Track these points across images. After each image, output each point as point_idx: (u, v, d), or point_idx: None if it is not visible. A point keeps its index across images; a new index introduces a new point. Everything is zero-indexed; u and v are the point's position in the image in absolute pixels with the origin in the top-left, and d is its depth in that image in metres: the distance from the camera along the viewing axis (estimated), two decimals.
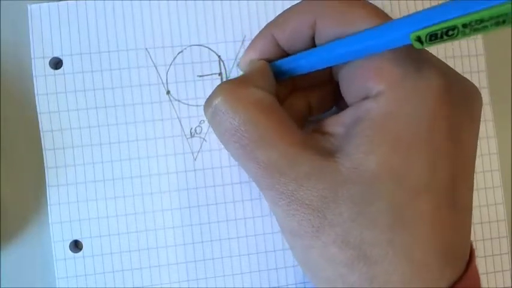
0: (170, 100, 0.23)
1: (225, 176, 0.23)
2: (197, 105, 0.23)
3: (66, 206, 0.22)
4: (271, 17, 0.20)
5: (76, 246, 0.22)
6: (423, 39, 0.14)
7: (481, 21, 0.12)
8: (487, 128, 0.25)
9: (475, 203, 0.23)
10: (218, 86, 0.18)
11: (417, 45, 0.14)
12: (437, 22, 0.13)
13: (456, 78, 0.17)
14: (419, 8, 0.25)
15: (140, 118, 0.23)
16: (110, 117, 0.23)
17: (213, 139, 0.23)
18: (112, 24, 0.23)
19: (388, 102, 0.16)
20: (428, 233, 0.16)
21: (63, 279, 0.22)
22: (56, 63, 0.23)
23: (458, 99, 0.17)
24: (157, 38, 0.23)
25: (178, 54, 0.23)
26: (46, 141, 0.22)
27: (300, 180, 0.16)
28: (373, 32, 0.15)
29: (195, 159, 0.23)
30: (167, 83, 0.23)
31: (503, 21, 0.12)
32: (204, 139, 0.23)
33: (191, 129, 0.23)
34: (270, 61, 0.20)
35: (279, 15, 0.19)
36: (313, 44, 0.19)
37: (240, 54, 0.23)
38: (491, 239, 0.24)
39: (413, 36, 0.14)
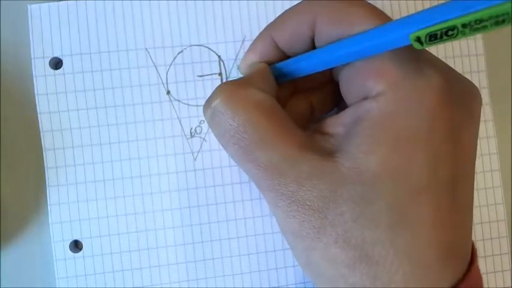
0: (170, 100, 0.23)
1: (225, 176, 0.23)
2: (197, 105, 0.23)
3: (66, 206, 0.22)
4: (271, 18, 0.20)
5: (76, 246, 0.22)
6: (423, 39, 0.14)
7: (481, 20, 0.12)
8: (487, 128, 0.25)
9: (475, 203, 0.23)
10: (218, 87, 0.18)
11: (417, 45, 0.14)
12: (436, 22, 0.13)
13: (456, 78, 0.17)
14: (419, 8, 0.25)
15: (140, 118, 0.23)
16: (110, 117, 0.23)
17: (213, 139, 0.23)
18: (112, 24, 0.23)
19: (388, 102, 0.16)
20: (430, 233, 0.16)
21: (63, 279, 0.22)
22: (56, 63, 0.23)
23: (458, 99, 0.17)
24: (157, 38, 0.23)
25: (178, 54, 0.23)
26: (46, 141, 0.22)
27: (300, 181, 0.16)
28: (373, 33, 0.15)
29: (195, 159, 0.23)
30: (167, 83, 0.23)
31: (503, 21, 0.12)
32: (204, 139, 0.23)
33: (191, 129, 0.23)
34: (270, 63, 0.20)
35: (277, 17, 0.19)
36: (312, 46, 0.19)
37: (240, 55, 0.23)
38: (491, 239, 0.24)
39: (412, 36, 0.14)
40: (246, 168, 0.18)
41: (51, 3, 0.23)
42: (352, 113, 0.17)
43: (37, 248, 0.23)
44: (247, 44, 0.21)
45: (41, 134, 0.22)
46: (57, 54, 0.23)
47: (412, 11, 0.25)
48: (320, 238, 0.16)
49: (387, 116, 0.16)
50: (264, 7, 0.24)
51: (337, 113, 0.23)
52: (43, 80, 0.22)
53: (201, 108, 0.23)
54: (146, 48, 0.23)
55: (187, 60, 0.23)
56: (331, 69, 0.20)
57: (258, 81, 0.18)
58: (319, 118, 0.23)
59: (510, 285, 0.24)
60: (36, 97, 0.22)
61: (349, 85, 0.18)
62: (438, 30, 0.13)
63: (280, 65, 0.19)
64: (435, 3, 0.25)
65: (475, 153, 0.18)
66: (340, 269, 0.16)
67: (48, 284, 0.23)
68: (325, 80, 0.21)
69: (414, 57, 0.16)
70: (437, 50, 0.25)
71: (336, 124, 0.18)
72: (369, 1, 0.18)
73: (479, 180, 0.25)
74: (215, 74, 0.23)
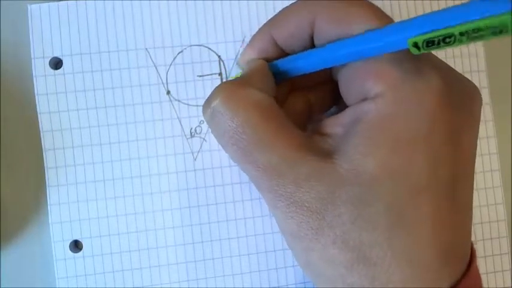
0: (170, 100, 0.23)
1: (225, 176, 0.23)
2: (197, 105, 0.23)
3: (66, 206, 0.22)
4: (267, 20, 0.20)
5: (76, 246, 0.22)
6: (420, 45, 0.14)
7: (478, 30, 0.13)
8: (487, 128, 0.25)
9: (475, 203, 0.23)
10: (217, 87, 0.18)
11: (414, 50, 0.14)
12: (434, 29, 0.13)
13: (456, 78, 0.17)
14: (419, 8, 0.25)
15: (140, 118, 0.23)
16: (110, 117, 0.23)
17: (213, 139, 0.23)
18: (112, 24, 0.23)
19: (387, 103, 0.16)
20: (428, 233, 0.16)
21: (63, 279, 0.22)
22: (56, 63, 0.23)
23: (458, 100, 0.17)
24: (157, 38, 0.23)
25: (178, 54, 0.23)
26: (46, 141, 0.22)
27: (298, 182, 0.16)
28: (372, 36, 0.16)
29: (195, 159, 0.23)
30: (167, 83, 0.23)
31: (500, 31, 0.12)
32: (204, 139, 0.23)
33: (191, 129, 0.23)
34: (268, 60, 0.20)
35: (277, 14, 0.19)
36: (311, 44, 0.19)
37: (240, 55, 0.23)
38: (491, 239, 0.24)
39: (410, 41, 0.14)
40: (245, 168, 0.18)
41: (51, 3, 0.23)
42: (351, 113, 0.17)
43: (37, 248, 0.23)
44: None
45: (41, 134, 0.22)
46: (57, 54, 0.23)
47: (411, 12, 0.25)
48: (318, 239, 0.16)
49: (386, 118, 0.16)
50: (264, 7, 0.24)
51: (336, 112, 0.23)
52: (43, 80, 0.22)
53: (201, 108, 0.23)
54: (146, 48, 0.23)
55: (187, 60, 0.23)
56: (330, 68, 0.20)
57: (257, 80, 0.18)
58: (318, 118, 0.23)
59: (510, 285, 0.24)
60: (36, 97, 0.22)
61: (348, 85, 0.18)
62: (436, 37, 0.13)
63: (279, 62, 0.19)
64: (435, 3, 0.25)
65: (475, 153, 0.18)
66: (338, 269, 0.16)
67: (48, 284, 0.23)
68: (323, 78, 0.21)
69: (414, 58, 0.16)
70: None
71: (335, 124, 0.18)
72: (369, 1, 0.18)
73: (479, 180, 0.25)
74: (215, 74, 0.23)
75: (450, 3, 0.25)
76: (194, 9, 0.23)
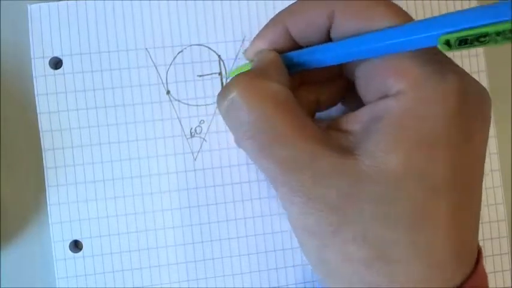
0: (170, 100, 0.23)
1: (225, 176, 0.23)
2: (197, 105, 0.23)
3: (66, 206, 0.22)
4: (271, 17, 0.20)
5: (76, 246, 0.22)
6: (452, 43, 0.13)
7: None
8: None
9: None
10: (233, 78, 0.17)
11: (444, 48, 0.14)
12: (468, 27, 0.13)
13: (471, 81, 0.17)
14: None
15: (140, 118, 0.23)
16: (110, 117, 0.23)
17: (213, 139, 0.23)
18: (112, 24, 0.23)
19: (409, 101, 0.16)
20: (447, 233, 0.16)
21: (63, 279, 0.22)
22: (56, 63, 0.23)
23: (473, 101, 0.17)
24: (157, 38, 0.23)
25: (178, 54, 0.23)
26: (45, 142, 0.22)
27: (317, 178, 0.16)
28: (399, 31, 0.15)
29: (195, 159, 0.23)
30: (167, 83, 0.23)
31: None
32: (204, 139, 0.23)
33: (191, 129, 0.23)
34: (279, 52, 0.19)
35: (292, 4, 0.19)
36: (328, 37, 0.18)
37: (240, 54, 0.23)
38: (491, 239, 0.24)
39: (442, 39, 0.14)
40: (261, 163, 0.17)
41: (51, 3, 0.23)
42: (370, 110, 0.17)
43: (37, 248, 0.23)
44: (247, 44, 0.21)
45: (41, 134, 0.22)
46: (57, 54, 0.23)
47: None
48: (336, 235, 0.16)
49: (408, 116, 0.16)
50: (264, 7, 0.24)
51: (344, 108, 0.23)
52: (43, 80, 0.22)
53: (201, 108, 0.23)
54: (146, 48, 0.23)
55: (187, 60, 0.23)
56: (342, 65, 0.20)
57: (274, 72, 0.18)
58: (334, 115, 0.23)
59: (510, 285, 0.24)
60: (36, 97, 0.22)
61: (367, 82, 0.18)
62: (470, 35, 0.13)
63: (292, 54, 0.19)
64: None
65: (485, 154, 0.18)
66: (356, 267, 0.16)
67: (48, 284, 0.23)
68: (334, 73, 0.21)
69: (434, 59, 0.16)
70: None
71: (353, 121, 0.17)
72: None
73: None
74: (215, 73, 0.23)
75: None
76: (194, 9, 0.23)
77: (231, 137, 0.23)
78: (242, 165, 0.23)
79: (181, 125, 0.23)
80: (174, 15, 0.23)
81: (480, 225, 0.24)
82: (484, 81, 0.25)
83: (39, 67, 0.22)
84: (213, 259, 0.23)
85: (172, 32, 0.23)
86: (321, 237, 0.16)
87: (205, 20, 0.23)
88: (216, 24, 0.23)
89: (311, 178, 0.16)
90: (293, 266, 0.23)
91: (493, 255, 0.24)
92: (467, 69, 0.25)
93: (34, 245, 0.23)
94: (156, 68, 0.23)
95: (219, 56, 0.23)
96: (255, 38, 0.20)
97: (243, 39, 0.24)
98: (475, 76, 0.25)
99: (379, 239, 0.15)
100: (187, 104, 0.23)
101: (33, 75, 0.22)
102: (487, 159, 0.25)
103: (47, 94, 0.22)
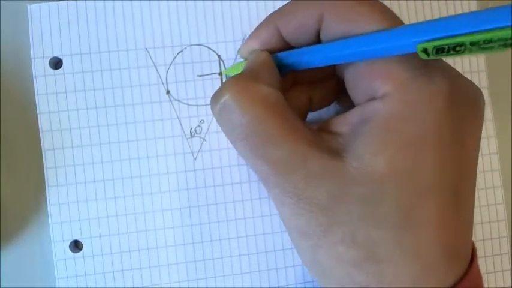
0: (170, 100, 0.23)
1: (225, 176, 0.23)
2: (197, 105, 0.23)
3: (66, 206, 0.22)
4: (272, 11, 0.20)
5: (76, 246, 0.22)
6: (430, 51, 0.14)
7: (489, 41, 0.12)
8: (487, 128, 0.25)
9: (475, 203, 0.23)
10: (225, 82, 0.18)
11: (423, 55, 0.14)
12: (445, 36, 0.13)
13: (462, 81, 0.17)
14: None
15: (140, 118, 0.23)
16: (110, 117, 0.23)
17: (213, 139, 0.23)
18: (112, 24, 0.23)
19: (395, 103, 0.16)
20: (435, 233, 0.16)
21: (63, 279, 0.22)
22: (56, 63, 0.23)
23: (464, 103, 0.17)
24: (157, 38, 0.23)
25: (178, 54, 0.23)
26: (45, 142, 0.22)
27: (308, 179, 0.16)
28: (380, 37, 0.15)
29: (195, 159, 0.23)
30: (167, 83, 0.23)
31: (511, 44, 0.12)
32: (204, 139, 0.23)
33: (191, 129, 0.23)
34: (270, 52, 0.19)
35: (284, 6, 0.19)
36: (317, 39, 0.18)
37: None
38: (491, 239, 0.24)
39: (420, 47, 0.14)
40: (253, 164, 0.17)
41: (51, 3, 0.23)
42: (358, 112, 0.17)
43: (37, 248, 0.23)
44: None
45: (41, 134, 0.22)
46: (57, 54, 0.23)
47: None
48: (326, 237, 0.16)
49: (394, 118, 0.16)
50: (264, 7, 0.24)
51: (336, 108, 0.23)
52: (43, 80, 0.22)
53: (201, 108, 0.23)
54: (146, 48, 0.23)
55: (187, 60, 0.23)
56: (334, 65, 0.20)
57: (265, 75, 0.18)
58: (324, 117, 0.23)
59: (510, 285, 0.24)
60: (36, 97, 0.22)
61: (355, 84, 0.18)
62: (446, 44, 0.13)
63: (282, 55, 0.19)
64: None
65: (478, 155, 0.18)
66: (346, 268, 0.16)
67: (48, 284, 0.23)
68: (326, 74, 0.21)
69: (423, 61, 0.16)
70: None
71: (343, 123, 0.18)
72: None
73: (480, 180, 0.25)
74: (215, 73, 0.23)
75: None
76: (194, 9, 0.23)
77: None
78: (242, 165, 0.23)
79: (181, 125, 0.23)
80: (174, 15, 0.23)
81: (480, 225, 0.24)
82: (484, 81, 0.25)
83: (39, 67, 0.22)
84: (213, 259, 0.23)
85: (172, 32, 0.23)
86: (312, 238, 0.16)
87: (205, 20, 0.23)
88: (216, 24, 0.23)
89: (303, 179, 0.16)
90: (293, 266, 0.23)
91: (493, 255, 0.24)
92: (467, 69, 0.25)
93: (34, 245, 0.23)
94: (156, 68, 0.23)
95: (219, 56, 0.23)
96: (249, 37, 0.20)
97: (243, 39, 0.23)
98: (475, 76, 0.25)
99: (367, 239, 0.16)
100: (187, 104, 0.23)
101: (33, 75, 0.22)
102: (487, 159, 0.25)
103: (47, 94, 0.22)
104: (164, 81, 0.23)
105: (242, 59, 0.21)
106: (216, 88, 0.23)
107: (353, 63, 0.18)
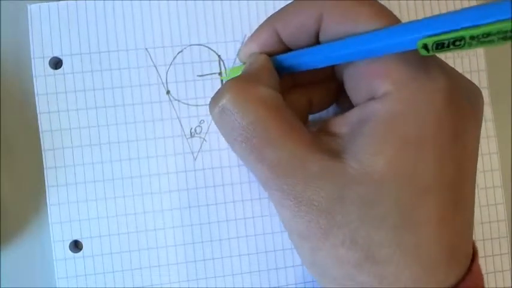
0: (170, 100, 0.23)
1: (225, 176, 0.23)
2: (197, 105, 0.23)
3: (66, 206, 0.22)
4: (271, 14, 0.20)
5: (76, 246, 0.22)
6: (430, 47, 0.14)
7: (488, 34, 0.13)
8: (487, 127, 0.25)
9: (475, 203, 0.23)
10: (225, 84, 0.18)
11: (423, 52, 0.14)
12: (445, 31, 0.13)
13: (461, 80, 0.17)
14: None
15: (140, 118, 0.23)
16: (110, 117, 0.23)
17: (213, 139, 0.23)
18: (112, 24, 0.23)
19: (394, 103, 0.16)
20: (435, 233, 0.16)
21: (63, 279, 0.22)
22: (56, 63, 0.23)
23: (463, 101, 0.17)
24: (157, 38, 0.23)
25: (178, 54, 0.23)
26: (45, 142, 0.22)
27: (308, 181, 0.16)
28: (380, 35, 0.15)
29: (195, 159, 0.23)
30: (167, 83, 0.23)
31: (510, 37, 0.12)
32: (204, 139, 0.23)
33: (191, 129, 0.23)
34: (270, 55, 0.19)
35: (282, 8, 0.19)
36: (316, 40, 0.18)
37: None
38: (491, 239, 0.24)
39: (420, 43, 0.14)
40: (253, 167, 0.17)
41: (51, 3, 0.23)
42: (358, 113, 0.17)
43: (37, 248, 0.23)
44: None
45: (41, 134, 0.22)
46: (57, 54, 0.23)
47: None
48: (327, 238, 0.16)
49: (393, 117, 0.16)
50: (264, 7, 0.24)
51: (336, 109, 0.23)
52: (43, 80, 0.22)
53: (201, 108, 0.23)
54: (146, 48, 0.23)
55: (187, 60, 0.23)
56: (333, 66, 0.20)
57: (264, 77, 0.18)
58: (324, 118, 0.23)
59: (510, 285, 0.24)
60: (36, 97, 0.22)
61: (355, 84, 0.18)
62: (446, 39, 0.13)
63: (282, 57, 0.19)
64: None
65: (477, 154, 0.18)
66: (347, 269, 0.16)
67: (48, 284, 0.23)
68: (326, 75, 0.21)
69: (421, 59, 0.16)
70: None
71: (342, 124, 0.18)
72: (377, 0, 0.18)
73: (479, 180, 0.25)
74: (215, 73, 0.23)
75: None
76: (194, 9, 0.23)
77: None
78: (242, 165, 0.23)
79: (181, 125, 0.23)
80: (174, 15, 0.23)
81: (480, 225, 0.24)
82: (484, 81, 0.25)
83: (39, 67, 0.22)
84: (213, 259, 0.23)
85: (172, 32, 0.23)
86: (312, 240, 0.16)
87: (205, 20, 0.23)
88: (216, 24, 0.23)
89: (302, 181, 0.16)
90: (293, 266, 0.23)
91: (493, 255, 0.24)
92: (467, 69, 0.25)
93: (34, 245, 0.23)
94: (156, 68, 0.23)
95: (219, 56, 0.23)
96: (247, 40, 0.20)
97: (243, 39, 0.23)
98: (475, 76, 0.25)
99: (367, 240, 0.16)
100: (187, 104, 0.23)
101: (33, 75, 0.22)
102: (487, 159, 0.25)
103: (47, 94, 0.22)
104: (164, 81, 0.23)
105: (241, 63, 0.21)
106: (216, 88, 0.23)
107: (352, 63, 0.18)
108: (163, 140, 0.23)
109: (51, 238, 0.22)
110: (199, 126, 0.23)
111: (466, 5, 0.25)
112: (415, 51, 0.15)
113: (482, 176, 0.25)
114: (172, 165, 0.23)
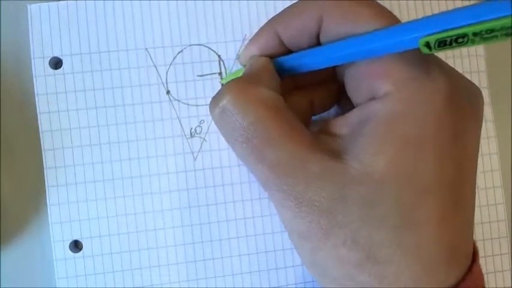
0: (170, 100, 0.23)
1: (225, 176, 0.23)
2: (197, 105, 0.23)
3: (65, 206, 0.22)
4: (266, 22, 0.20)
5: (76, 246, 0.22)
6: (432, 45, 0.14)
7: (492, 30, 0.12)
8: (487, 128, 0.25)
9: (475, 203, 0.23)
10: (225, 84, 0.18)
11: (425, 50, 0.14)
12: (447, 29, 0.13)
13: (461, 80, 0.17)
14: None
15: (140, 118, 0.23)
16: (110, 117, 0.23)
17: (213, 139, 0.23)
18: (112, 24, 0.23)
19: (395, 103, 0.16)
20: (436, 233, 0.16)
21: (63, 279, 0.22)
22: (56, 63, 0.23)
23: (463, 102, 0.17)
24: (157, 38, 0.23)
25: (178, 54, 0.23)
26: (45, 142, 0.22)
27: (309, 181, 0.16)
28: (381, 34, 0.15)
29: (195, 159, 0.23)
30: (167, 83, 0.23)
31: None
32: (204, 139, 0.23)
33: (191, 129, 0.23)
34: (271, 57, 0.19)
35: (283, 11, 0.19)
36: (317, 42, 0.19)
37: None
38: (491, 239, 0.24)
39: (422, 41, 0.14)
40: (253, 167, 0.17)
41: (51, 3, 0.23)
42: (358, 113, 0.17)
43: (37, 248, 0.23)
44: None
45: (41, 134, 0.22)
46: (57, 54, 0.23)
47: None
48: (328, 239, 0.16)
49: (394, 117, 0.16)
50: (264, 7, 0.24)
51: (337, 110, 0.23)
52: (43, 80, 0.22)
53: (201, 108, 0.23)
54: (146, 48, 0.23)
55: (187, 60, 0.23)
56: (333, 67, 0.20)
57: (265, 78, 0.18)
58: (323, 118, 0.23)
59: (510, 285, 0.24)
60: (36, 97, 0.22)
61: (355, 84, 0.18)
62: (448, 37, 0.13)
63: (282, 59, 0.19)
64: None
65: (477, 154, 0.18)
66: (348, 269, 0.16)
67: (48, 284, 0.23)
68: (326, 76, 0.21)
69: (421, 59, 0.16)
70: None
71: (343, 124, 0.18)
72: (377, 1, 0.18)
73: (479, 180, 0.25)
74: (215, 73, 0.23)
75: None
76: (194, 9, 0.23)
77: None
78: (242, 165, 0.23)
79: (181, 125, 0.23)
80: (174, 15, 0.23)
81: (480, 225, 0.24)
82: (484, 81, 0.25)
83: (39, 67, 0.22)
84: (213, 259, 0.23)
85: (172, 32, 0.23)
86: (313, 240, 0.16)
87: (205, 20, 0.23)
88: (216, 24, 0.23)
89: (303, 182, 0.16)
90: (293, 266, 0.23)
91: (493, 255, 0.24)
92: (467, 69, 0.25)
93: (34, 245, 0.23)
94: (156, 68, 0.23)
95: (219, 56, 0.23)
96: (248, 43, 0.20)
97: (243, 39, 0.24)
98: (475, 76, 0.25)
99: (368, 240, 0.16)
100: (187, 104, 0.23)
101: (33, 75, 0.22)
102: (487, 159, 0.25)
103: (47, 94, 0.22)
104: (164, 81, 0.23)
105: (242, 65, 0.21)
106: (216, 89, 0.23)
107: (352, 64, 0.18)
108: (163, 140, 0.23)
109: (51, 238, 0.22)
110: (199, 126, 0.23)
111: (466, 4, 0.25)
112: (416, 51, 0.15)
113: (482, 176, 0.25)
114: (172, 165, 0.23)
